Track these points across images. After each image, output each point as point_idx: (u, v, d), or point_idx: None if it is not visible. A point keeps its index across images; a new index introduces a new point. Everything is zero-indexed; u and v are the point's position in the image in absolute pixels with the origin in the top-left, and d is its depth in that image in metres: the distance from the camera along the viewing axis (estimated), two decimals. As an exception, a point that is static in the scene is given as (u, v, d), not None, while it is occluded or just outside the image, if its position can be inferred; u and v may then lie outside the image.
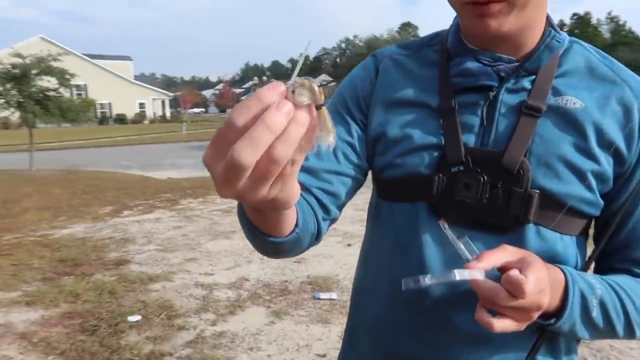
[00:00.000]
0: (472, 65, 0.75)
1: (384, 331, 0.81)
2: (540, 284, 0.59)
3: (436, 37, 0.85)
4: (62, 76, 15.41)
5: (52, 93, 15.05)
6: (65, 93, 16.19)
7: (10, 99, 13.92)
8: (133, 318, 3.43)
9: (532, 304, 0.59)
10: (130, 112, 45.08)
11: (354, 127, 0.84)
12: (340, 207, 0.83)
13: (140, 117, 45.42)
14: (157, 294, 3.89)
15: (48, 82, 15.08)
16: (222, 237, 5.64)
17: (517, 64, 0.73)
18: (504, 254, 0.62)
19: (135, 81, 47.24)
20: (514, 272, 0.58)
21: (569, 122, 0.71)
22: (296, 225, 0.64)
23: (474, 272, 0.58)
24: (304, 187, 0.79)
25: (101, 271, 4.44)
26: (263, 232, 0.62)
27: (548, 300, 0.61)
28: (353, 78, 0.87)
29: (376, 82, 0.84)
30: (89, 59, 42.20)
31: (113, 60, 46.86)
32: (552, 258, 0.71)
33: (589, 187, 0.71)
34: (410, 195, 0.78)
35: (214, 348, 3.02)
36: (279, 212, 0.56)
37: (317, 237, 0.79)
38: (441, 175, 0.74)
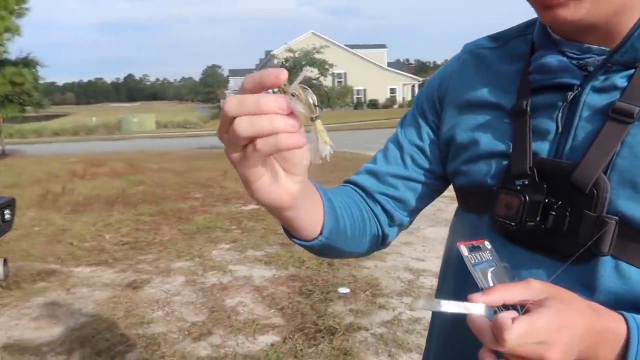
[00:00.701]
0: (551, 59, 0.63)
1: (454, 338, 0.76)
2: (537, 334, 0.46)
3: (533, 24, 0.71)
4: (323, 66, 17.45)
5: (314, 82, 17.22)
6: (325, 82, 18.27)
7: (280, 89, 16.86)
8: (342, 290, 3.75)
9: (526, 355, 0.47)
10: (382, 97, 47.94)
11: (426, 130, 0.79)
12: (410, 213, 0.81)
13: (390, 101, 47.87)
14: (368, 271, 4.14)
15: (311, 72, 17.24)
16: (442, 224, 5.58)
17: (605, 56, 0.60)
18: (523, 291, 0.50)
19: (387, 68, 49.72)
20: (502, 315, 0.47)
21: None
22: (321, 233, 0.64)
23: (471, 306, 0.49)
24: (367, 192, 0.79)
25: (326, 243, 4.96)
26: (289, 232, 0.65)
27: (560, 355, 0.47)
28: (434, 76, 0.81)
29: (452, 80, 0.76)
30: (349, 49, 46.23)
31: (370, 49, 50.24)
32: (637, 302, 0.56)
33: None
34: (476, 207, 0.71)
35: (407, 332, 3.08)
36: (279, 214, 0.58)
37: (382, 242, 0.80)
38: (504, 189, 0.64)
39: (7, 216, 2.86)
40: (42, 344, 3.05)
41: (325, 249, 0.68)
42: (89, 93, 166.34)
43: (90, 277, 4.24)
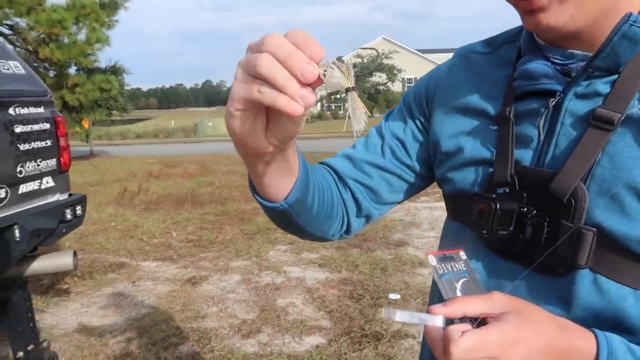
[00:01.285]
0: (534, 65, 0.61)
1: None
2: (487, 349, 0.45)
3: (523, 29, 0.69)
4: (391, 72, 17.28)
5: (381, 87, 17.18)
6: (393, 87, 18.07)
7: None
8: (393, 296, 3.70)
9: None
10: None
11: (410, 127, 0.78)
12: (380, 206, 0.79)
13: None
14: (422, 278, 4.06)
15: (379, 77, 17.20)
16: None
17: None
18: (484, 304, 0.49)
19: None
20: (453, 327, 0.46)
21: None
22: (285, 198, 0.62)
23: (428, 317, 0.49)
24: (340, 176, 0.78)
25: (382, 249, 4.91)
26: (255, 188, 0.63)
27: None
28: (425, 77, 0.80)
29: (441, 82, 0.75)
30: (420, 53, 45.51)
31: (440, 53, 49.02)
32: (616, 318, 0.52)
33: None
34: (460, 216, 0.69)
35: (456, 343, 2.98)
36: (251, 161, 0.57)
37: (346, 231, 0.79)
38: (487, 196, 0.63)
39: (78, 211, 3.10)
40: (106, 331, 3.29)
41: (284, 217, 0.66)
42: (170, 98, 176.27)
43: (155, 271, 4.50)
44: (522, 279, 0.59)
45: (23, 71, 2.81)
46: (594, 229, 0.54)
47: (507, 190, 0.61)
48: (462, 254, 0.59)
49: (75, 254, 2.89)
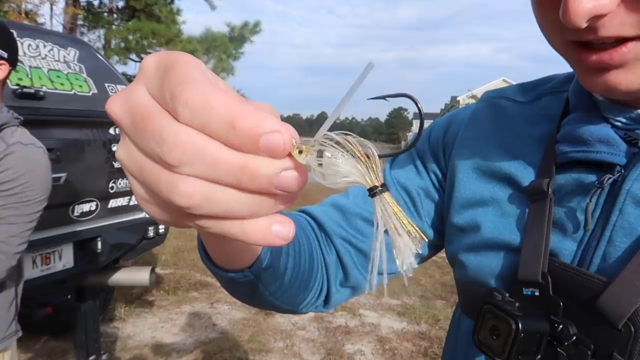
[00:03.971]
0: (587, 126, 0.47)
1: None
2: None
3: (571, 80, 0.54)
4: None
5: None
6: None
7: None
8: (474, 361, 3.32)
9: None
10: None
11: (424, 179, 0.62)
12: None
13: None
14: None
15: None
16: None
17: None
18: None
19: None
20: None
21: None
22: (250, 267, 0.46)
23: None
24: (325, 232, 0.61)
25: (471, 305, 4.50)
26: (207, 253, 0.47)
27: None
28: (447, 118, 0.64)
29: (460, 133, 0.60)
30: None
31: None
32: None
33: None
34: (473, 312, 0.52)
35: None
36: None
37: (324, 303, 0.61)
38: (507, 297, 0.48)
39: (161, 230, 3.23)
40: (174, 350, 3.35)
41: (247, 289, 0.51)
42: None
43: (234, 295, 4.57)
44: None
45: (128, 95, 3.04)
46: None
47: (537, 294, 0.46)
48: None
49: (153, 270, 3.00)
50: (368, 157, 0.26)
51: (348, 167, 0.25)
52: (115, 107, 0.26)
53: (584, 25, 0.38)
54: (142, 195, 0.27)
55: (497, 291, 0.49)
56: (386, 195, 0.25)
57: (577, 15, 0.37)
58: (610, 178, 0.45)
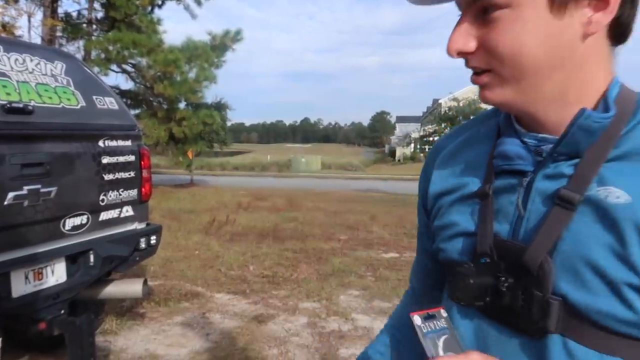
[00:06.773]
0: (509, 146, 0.68)
1: None
2: None
3: None
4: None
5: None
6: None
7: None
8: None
9: None
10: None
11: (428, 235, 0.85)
12: None
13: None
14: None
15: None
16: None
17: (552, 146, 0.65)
18: None
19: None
20: None
21: (607, 219, 0.58)
22: None
23: None
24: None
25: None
26: None
27: None
28: (422, 171, 0.88)
29: (431, 179, 0.82)
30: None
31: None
32: None
33: (626, 304, 0.57)
34: (450, 278, 0.75)
35: None
36: None
37: None
38: (471, 265, 0.68)
39: (152, 241, 3.22)
40: (168, 361, 3.33)
41: None
42: (270, 134, 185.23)
43: (226, 304, 4.55)
44: (504, 341, 0.65)
45: (116, 107, 3.03)
46: (559, 298, 0.59)
47: (489, 261, 0.67)
48: (443, 312, 0.67)
49: (145, 282, 2.99)
50: None
51: None
52: None
53: (456, 57, 0.62)
54: None
55: (465, 262, 0.69)
56: None
57: (450, 51, 0.61)
58: (526, 180, 0.65)
